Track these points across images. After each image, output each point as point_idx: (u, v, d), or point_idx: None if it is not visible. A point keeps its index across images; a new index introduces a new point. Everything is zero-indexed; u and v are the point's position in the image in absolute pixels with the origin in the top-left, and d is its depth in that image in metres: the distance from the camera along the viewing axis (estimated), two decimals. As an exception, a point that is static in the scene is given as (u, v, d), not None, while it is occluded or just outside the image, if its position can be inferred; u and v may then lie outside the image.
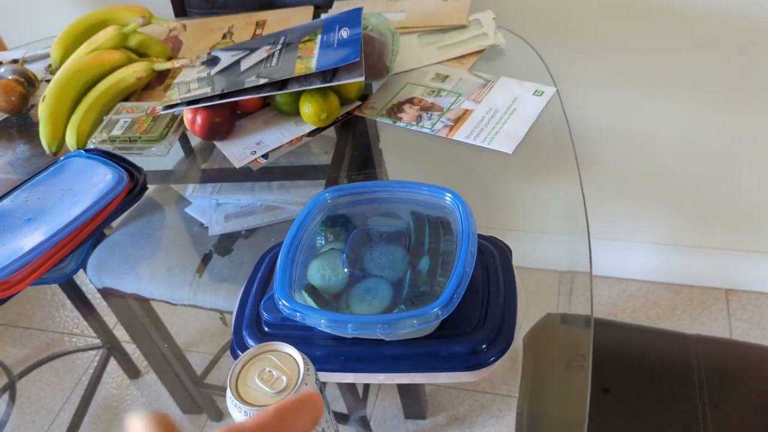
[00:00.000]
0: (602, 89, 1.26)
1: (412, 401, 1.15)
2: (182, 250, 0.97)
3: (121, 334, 0.98)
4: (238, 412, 0.43)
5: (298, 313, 0.52)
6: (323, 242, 0.60)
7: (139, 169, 0.82)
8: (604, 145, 1.35)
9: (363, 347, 0.55)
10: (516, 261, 0.63)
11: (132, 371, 0.96)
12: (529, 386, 0.66)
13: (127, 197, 0.78)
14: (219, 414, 1.03)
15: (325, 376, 0.58)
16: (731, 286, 1.54)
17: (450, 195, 0.59)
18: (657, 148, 1.33)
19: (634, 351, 0.86)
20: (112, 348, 1.01)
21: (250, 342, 0.58)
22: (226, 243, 0.95)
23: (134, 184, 0.80)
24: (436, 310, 0.50)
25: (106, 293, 0.95)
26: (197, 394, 0.99)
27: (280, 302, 0.53)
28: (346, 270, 0.57)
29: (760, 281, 1.50)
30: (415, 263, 0.57)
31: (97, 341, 0.98)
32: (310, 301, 0.55)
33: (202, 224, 0.96)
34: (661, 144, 1.31)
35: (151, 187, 0.99)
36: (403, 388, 1.09)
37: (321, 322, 0.52)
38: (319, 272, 0.58)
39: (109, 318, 0.96)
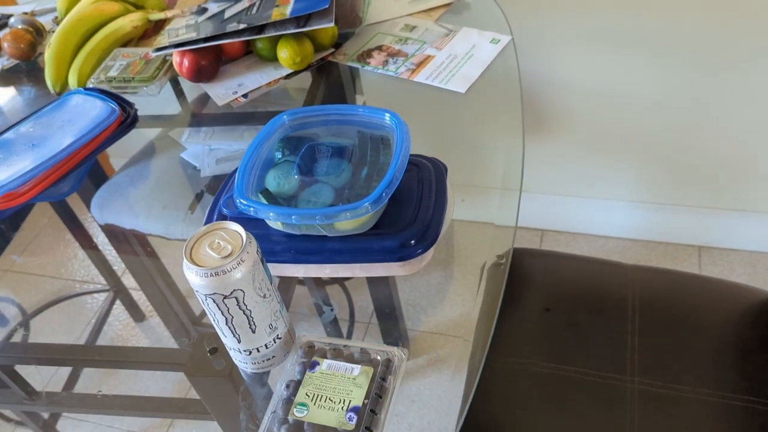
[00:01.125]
0: (573, 46, 1.33)
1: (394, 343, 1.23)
2: (177, 190, 1.06)
3: (128, 281, 1.08)
4: (191, 273, 0.53)
5: (251, 209, 0.62)
6: (280, 156, 0.69)
7: (130, 104, 0.92)
8: (579, 104, 1.42)
9: (309, 242, 0.65)
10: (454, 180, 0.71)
11: (137, 314, 1.03)
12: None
13: (119, 127, 0.88)
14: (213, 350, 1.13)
15: (280, 269, 0.67)
16: (704, 243, 1.61)
17: (389, 114, 0.67)
18: (631, 107, 1.39)
19: (577, 277, 0.94)
20: (118, 292, 1.11)
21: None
22: (216, 183, 1.04)
23: (126, 116, 0.89)
24: (366, 204, 0.59)
25: (109, 231, 1.04)
26: (194, 332, 1.09)
27: (238, 200, 0.63)
28: (297, 177, 0.66)
29: (730, 238, 1.57)
30: (356, 172, 0.66)
31: (105, 286, 1.07)
32: (263, 201, 0.64)
33: (195, 167, 1.05)
34: (635, 102, 1.38)
35: (152, 134, 1.08)
36: (385, 328, 1.17)
37: (270, 215, 0.62)
38: (274, 180, 0.67)
39: (116, 264, 1.06)
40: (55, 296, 1.04)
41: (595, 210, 1.65)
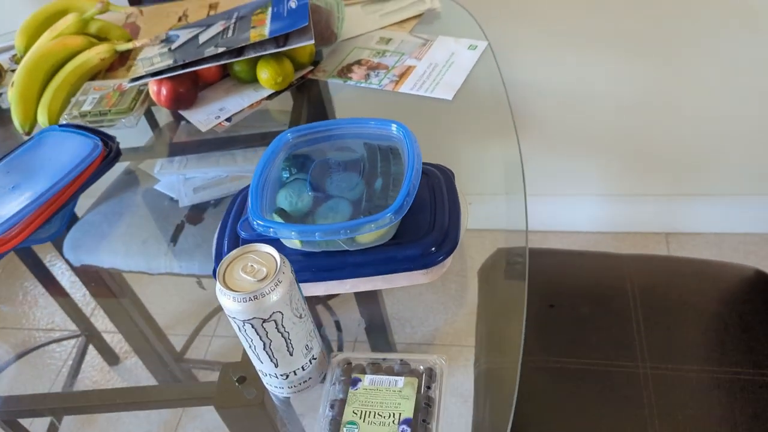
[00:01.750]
0: (536, 49, 1.37)
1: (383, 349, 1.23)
2: (155, 223, 1.03)
3: (98, 322, 1.03)
4: (227, 300, 0.51)
5: (271, 229, 0.60)
6: (288, 175, 0.68)
7: (111, 138, 0.89)
8: (544, 105, 1.46)
9: (330, 258, 0.64)
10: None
11: (111, 358, 0.99)
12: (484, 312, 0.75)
13: (104, 162, 0.85)
14: None
15: (299, 289, 0.66)
16: (671, 230, 1.67)
17: (395, 125, 0.67)
18: (593, 104, 1.44)
19: (576, 272, 0.96)
20: (90, 336, 1.06)
21: (230, 265, 0.65)
22: (196, 213, 1.02)
23: (108, 150, 0.86)
24: (389, 215, 0.59)
25: (83, 273, 1.00)
26: (178, 370, 1.05)
27: (255, 222, 0.61)
28: (310, 194, 0.65)
29: (695, 222, 1.63)
30: (370, 184, 0.65)
31: (74, 330, 1.02)
32: (280, 221, 0.63)
33: (172, 198, 1.02)
34: (596, 100, 1.43)
35: (120, 169, 1.04)
36: (375, 343, 1.17)
37: (291, 234, 0.61)
38: (286, 199, 0.66)
39: (85, 307, 1.02)
40: (20, 348, 0.99)
41: (563, 207, 1.69)
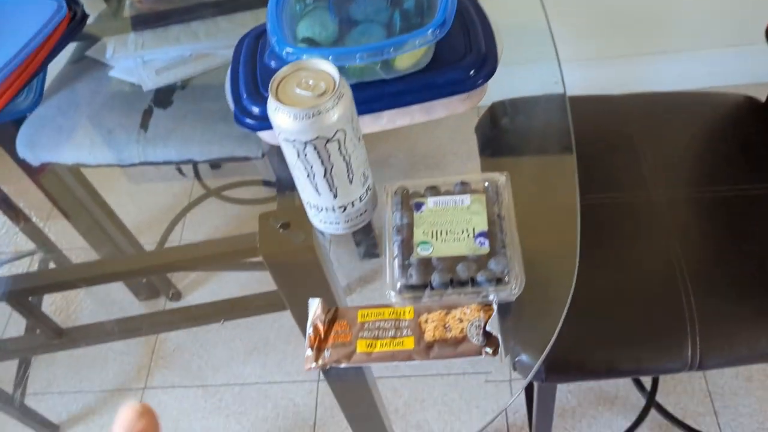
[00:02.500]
0: None
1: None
2: (119, 110, 0.94)
3: (58, 238, 0.96)
4: (286, 118, 0.46)
5: (304, 56, 0.55)
6: (302, 7, 0.62)
7: (76, 1, 0.78)
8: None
9: (366, 89, 0.59)
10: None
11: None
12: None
13: (70, 25, 0.75)
14: (177, 294, 1.04)
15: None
16: (631, 90, 1.69)
17: (419, -59, 0.62)
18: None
19: (575, 116, 0.95)
20: (49, 252, 0.99)
21: (253, 108, 0.60)
22: (163, 96, 0.94)
23: (74, 13, 0.76)
24: (432, 30, 0.54)
25: (44, 172, 0.91)
26: (155, 277, 0.99)
27: (284, 51, 0.55)
28: (334, 21, 0.60)
29: (655, 81, 1.66)
30: (398, 4, 0.60)
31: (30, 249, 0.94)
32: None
33: (133, 84, 0.93)
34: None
35: (64, 58, 0.93)
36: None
37: (329, 59, 0.55)
38: (309, 29, 0.60)
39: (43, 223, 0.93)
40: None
41: (527, 74, 1.67)
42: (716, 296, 0.73)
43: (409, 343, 0.41)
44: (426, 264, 0.50)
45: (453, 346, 0.41)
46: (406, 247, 0.52)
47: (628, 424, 1.07)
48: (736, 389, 1.14)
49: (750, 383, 1.14)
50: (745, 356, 0.72)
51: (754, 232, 0.77)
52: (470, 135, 0.89)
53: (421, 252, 0.51)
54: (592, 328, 0.72)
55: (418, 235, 0.52)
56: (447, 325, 0.41)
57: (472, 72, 0.60)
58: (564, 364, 0.72)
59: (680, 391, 1.15)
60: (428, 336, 0.41)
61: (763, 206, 0.80)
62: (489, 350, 0.40)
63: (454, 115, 0.68)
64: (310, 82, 0.47)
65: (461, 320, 0.41)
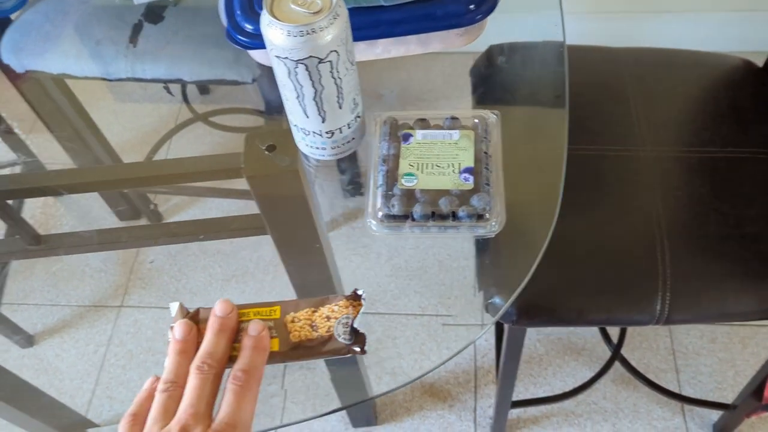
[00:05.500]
0: None
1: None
2: (108, 22, 0.92)
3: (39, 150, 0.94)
4: (279, 34, 0.45)
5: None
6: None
7: None
8: None
9: (363, 15, 0.58)
10: None
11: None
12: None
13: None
14: (158, 217, 1.04)
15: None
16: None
17: None
18: None
19: (573, 65, 0.94)
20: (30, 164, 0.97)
21: (246, 25, 0.58)
22: (155, 12, 0.91)
23: None
24: (436, -43, 0.53)
25: (26, 78, 0.89)
26: (135, 196, 0.98)
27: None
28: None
29: (651, 40, 1.64)
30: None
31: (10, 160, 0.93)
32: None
33: None
34: None
35: None
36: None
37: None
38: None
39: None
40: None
41: (531, 25, 1.64)
42: (690, 254, 0.74)
43: (274, 345, 0.40)
44: (409, 195, 0.50)
45: (319, 346, 0.40)
46: (391, 177, 0.51)
47: (592, 374, 1.11)
48: (699, 349, 1.17)
49: (713, 344, 1.17)
50: (712, 314, 0.74)
51: (735, 194, 0.78)
52: (466, 76, 0.88)
53: (405, 183, 0.51)
54: (567, 275, 0.74)
55: (404, 166, 0.52)
56: (314, 324, 0.40)
57: (471, 6, 0.59)
58: (535, 309, 0.73)
59: (646, 347, 1.18)
60: (294, 337, 0.40)
61: (748, 169, 0.80)
62: (357, 348, 0.39)
63: (451, 53, 0.67)
64: (307, -2, 0.46)
65: (329, 318, 0.40)
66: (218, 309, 0.38)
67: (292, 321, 0.40)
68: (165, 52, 0.88)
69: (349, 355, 0.40)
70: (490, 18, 0.59)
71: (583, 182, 0.80)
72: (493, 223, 0.49)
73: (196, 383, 0.35)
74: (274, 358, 0.40)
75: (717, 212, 0.77)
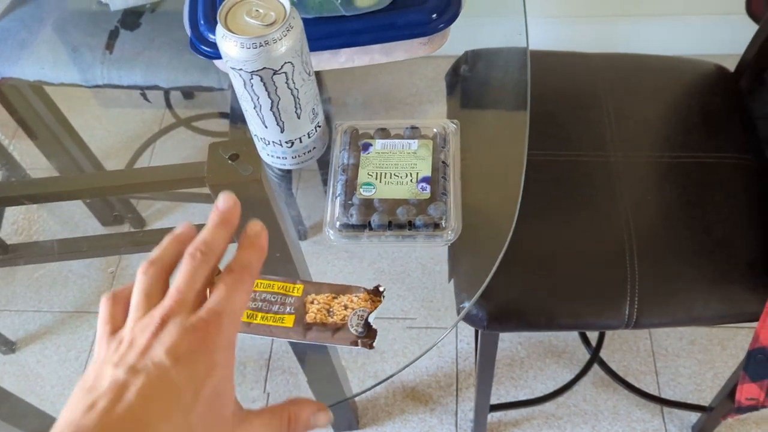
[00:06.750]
0: None
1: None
2: (84, 29, 0.92)
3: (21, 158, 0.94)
4: (233, 46, 0.46)
5: (262, -15, 0.54)
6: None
7: None
8: None
9: (324, 25, 0.58)
10: None
11: None
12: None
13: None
14: (140, 222, 1.04)
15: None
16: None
17: None
18: None
19: (546, 71, 0.95)
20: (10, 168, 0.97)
21: (210, 35, 0.59)
22: (131, 18, 0.91)
23: None
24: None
25: (7, 87, 0.90)
26: (118, 203, 0.98)
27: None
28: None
29: (639, 44, 1.65)
30: (363, -58, 0.59)
31: None
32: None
33: (100, 2, 0.91)
34: None
35: None
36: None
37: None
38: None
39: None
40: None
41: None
42: (659, 259, 0.75)
43: (288, 321, 0.41)
44: (368, 205, 0.51)
45: (331, 331, 0.41)
46: (350, 186, 0.52)
47: (572, 377, 1.11)
48: (679, 351, 1.18)
49: (693, 346, 1.18)
50: (681, 319, 0.74)
51: (704, 199, 0.79)
52: (434, 82, 0.88)
53: (363, 192, 0.51)
54: (537, 281, 0.74)
55: (363, 175, 0.52)
56: (331, 310, 0.41)
57: (434, 15, 0.59)
58: (505, 314, 0.73)
59: (626, 349, 1.19)
60: (309, 317, 0.41)
61: (717, 175, 0.81)
62: (365, 342, 0.41)
63: (416, 59, 0.67)
64: (260, 11, 0.46)
65: (346, 307, 0.41)
66: (221, 202, 0.35)
67: (312, 302, 0.42)
68: (141, 59, 0.89)
69: (357, 347, 0.41)
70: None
71: (554, 188, 0.81)
72: (449, 232, 0.50)
73: (187, 269, 0.32)
74: (288, 334, 0.41)
75: (686, 217, 0.77)
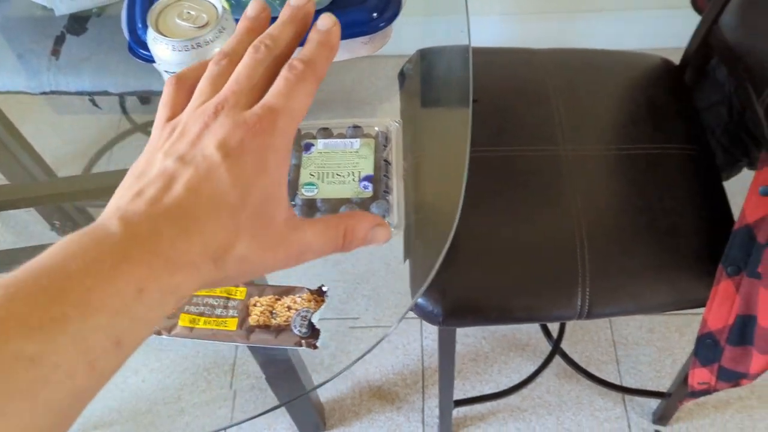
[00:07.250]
0: None
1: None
2: (28, 35, 0.91)
3: None
4: (163, 48, 0.45)
5: (197, -12, 0.53)
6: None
7: None
8: None
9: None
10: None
11: None
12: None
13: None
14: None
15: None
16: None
17: None
18: None
19: (494, 68, 0.96)
20: None
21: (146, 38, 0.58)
22: (77, 23, 0.90)
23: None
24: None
25: None
26: (74, 212, 0.97)
27: (177, -19, 0.53)
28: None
29: (587, 39, 1.67)
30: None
31: None
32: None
33: (45, 7, 0.89)
34: None
35: None
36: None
37: (223, -8, 0.54)
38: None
39: None
40: None
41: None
42: (608, 250, 0.76)
43: (232, 325, 0.41)
44: (310, 205, 0.51)
45: (274, 333, 0.41)
46: (292, 187, 0.52)
47: (535, 369, 1.13)
48: (639, 339, 1.20)
49: (652, 334, 1.20)
50: (630, 308, 0.76)
51: (650, 189, 0.81)
52: (392, 81, 0.89)
53: (306, 193, 0.51)
54: (490, 275, 0.75)
55: (305, 175, 0.52)
56: (274, 312, 0.41)
57: (374, 14, 0.59)
58: (460, 309, 0.74)
59: (587, 339, 1.21)
60: (252, 320, 0.41)
61: (663, 165, 0.83)
62: (309, 343, 0.41)
63: (378, 59, 0.67)
64: (192, 12, 0.46)
65: (290, 308, 0.41)
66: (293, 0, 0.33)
67: (254, 305, 0.42)
68: (88, 64, 0.88)
69: (301, 348, 0.41)
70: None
71: (504, 183, 0.82)
72: (393, 230, 0.50)
73: (248, 62, 0.30)
74: (231, 337, 0.41)
75: (634, 207, 0.79)
